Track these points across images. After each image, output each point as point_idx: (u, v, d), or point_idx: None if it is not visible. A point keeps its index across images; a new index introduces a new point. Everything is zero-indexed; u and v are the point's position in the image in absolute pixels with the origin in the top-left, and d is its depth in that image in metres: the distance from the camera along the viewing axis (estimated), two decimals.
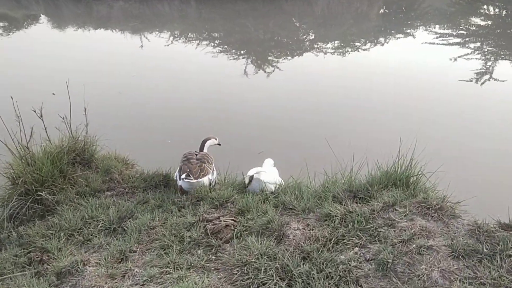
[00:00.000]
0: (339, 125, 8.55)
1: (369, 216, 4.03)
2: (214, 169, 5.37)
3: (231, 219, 4.33)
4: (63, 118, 5.58)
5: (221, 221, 4.27)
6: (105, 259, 4.05)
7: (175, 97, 10.01)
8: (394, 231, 3.83)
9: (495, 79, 10.91)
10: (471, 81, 10.99)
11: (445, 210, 3.99)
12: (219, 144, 5.81)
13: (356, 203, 4.38)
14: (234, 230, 4.21)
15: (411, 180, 4.72)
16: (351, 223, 3.98)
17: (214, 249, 4.04)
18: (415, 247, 3.58)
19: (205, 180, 5.09)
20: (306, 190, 4.91)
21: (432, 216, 3.94)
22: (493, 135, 7.78)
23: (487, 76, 11.20)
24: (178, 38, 15.71)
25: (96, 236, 4.48)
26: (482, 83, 10.84)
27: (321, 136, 8.07)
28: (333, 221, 4.08)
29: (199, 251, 4.02)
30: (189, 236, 4.17)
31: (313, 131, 8.20)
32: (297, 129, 8.51)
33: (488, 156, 6.95)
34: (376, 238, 3.80)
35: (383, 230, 3.86)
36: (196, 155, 5.32)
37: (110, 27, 16.60)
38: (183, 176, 4.98)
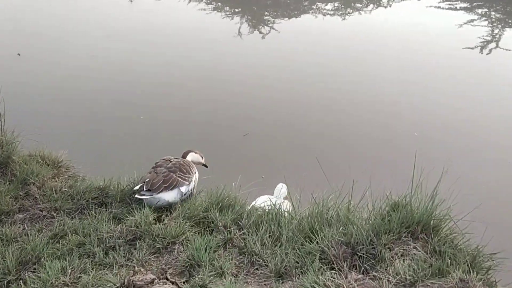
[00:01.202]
0: (333, 114, 6.96)
1: None
2: (195, 181, 3.78)
3: None
4: None
5: None
6: None
7: (148, 69, 7.95)
8: None
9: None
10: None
11: None
12: (205, 166, 4.15)
13: (356, 268, 2.73)
14: None
15: (432, 223, 3.07)
16: None
17: None
18: None
19: (167, 196, 3.55)
20: (286, 225, 3.27)
21: None
22: None
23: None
24: None
25: None
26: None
27: (315, 127, 6.57)
28: None
29: None
30: None
31: (309, 119, 6.65)
32: (290, 112, 6.98)
33: None
34: None
35: None
36: (170, 161, 3.74)
37: None
38: (137, 187, 3.59)
